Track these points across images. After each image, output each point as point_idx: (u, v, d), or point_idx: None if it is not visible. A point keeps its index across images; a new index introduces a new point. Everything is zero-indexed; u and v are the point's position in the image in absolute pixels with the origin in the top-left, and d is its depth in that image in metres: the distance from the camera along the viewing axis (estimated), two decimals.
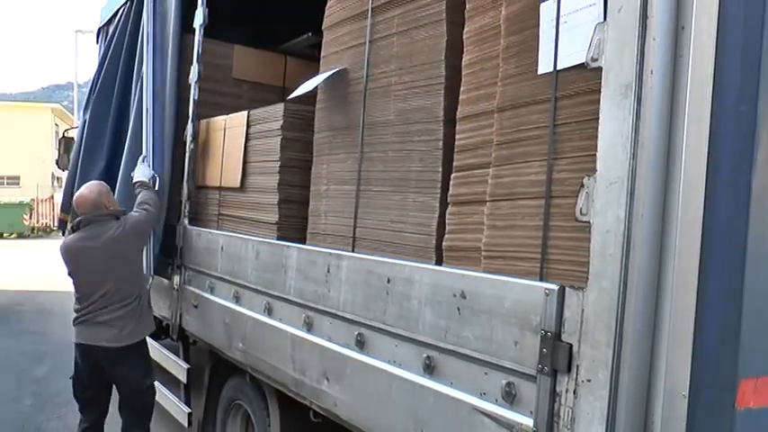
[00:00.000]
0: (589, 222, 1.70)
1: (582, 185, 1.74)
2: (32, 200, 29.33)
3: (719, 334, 1.50)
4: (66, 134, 8.13)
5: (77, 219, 3.96)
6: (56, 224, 28.81)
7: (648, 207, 1.56)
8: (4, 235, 26.81)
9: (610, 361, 1.58)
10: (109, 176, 4.90)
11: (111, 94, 5.42)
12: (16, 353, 8.02)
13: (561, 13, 1.94)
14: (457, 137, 2.32)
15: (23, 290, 12.98)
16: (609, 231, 1.63)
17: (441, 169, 2.44)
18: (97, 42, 6.60)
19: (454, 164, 2.33)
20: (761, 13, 1.53)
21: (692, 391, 1.49)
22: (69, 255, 3.98)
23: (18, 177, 39.25)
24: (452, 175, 2.33)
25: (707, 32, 1.53)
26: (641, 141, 1.58)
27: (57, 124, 42.62)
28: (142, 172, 4.45)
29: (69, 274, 4.02)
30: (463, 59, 2.34)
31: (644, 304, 1.55)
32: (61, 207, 6.49)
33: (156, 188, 4.40)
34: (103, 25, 6.31)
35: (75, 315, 4.00)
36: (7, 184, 39.07)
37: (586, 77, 1.80)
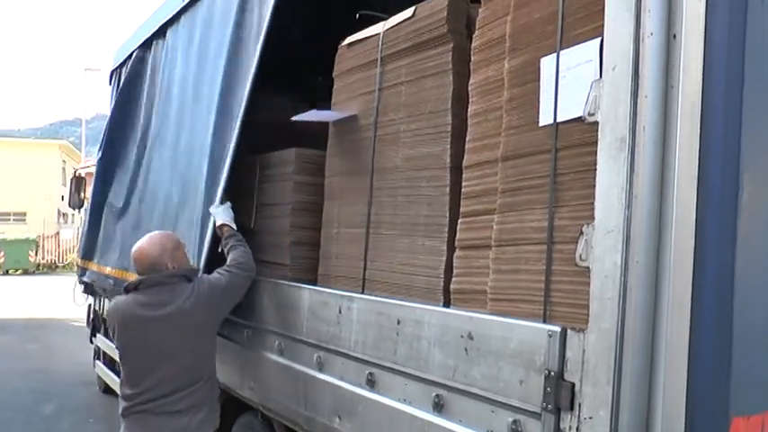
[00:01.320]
0: (588, 267, 1.81)
1: (581, 233, 1.86)
2: (38, 236, 29.53)
3: (712, 374, 1.60)
4: (77, 173, 8.30)
5: (137, 279, 3.21)
6: (62, 261, 29.24)
7: (643, 254, 1.67)
8: (10, 271, 26.94)
9: (610, 399, 1.67)
10: (129, 218, 4.94)
11: (131, 133, 5.51)
12: (24, 391, 8.09)
13: (560, 69, 2.06)
14: (463, 184, 2.44)
15: (28, 322, 13.06)
16: (607, 276, 1.74)
17: (448, 214, 2.56)
18: (110, 83, 6.81)
19: (461, 209, 2.44)
20: (740, 74, 1.65)
21: (688, 427, 1.58)
22: (122, 324, 3.17)
23: (24, 213, 39.53)
24: (459, 221, 2.44)
25: (693, 91, 1.65)
26: (635, 192, 1.70)
27: (64, 161, 43.11)
28: (225, 214, 3.58)
29: (117, 348, 3.28)
30: (469, 110, 2.47)
31: (641, 345, 1.65)
32: (81, 253, 6.62)
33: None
34: (117, 67, 6.50)
35: (124, 403, 3.17)
36: (14, 220, 39.33)
37: (584, 130, 1.92)
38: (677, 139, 1.65)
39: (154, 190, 4.77)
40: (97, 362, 7.37)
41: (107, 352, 6.77)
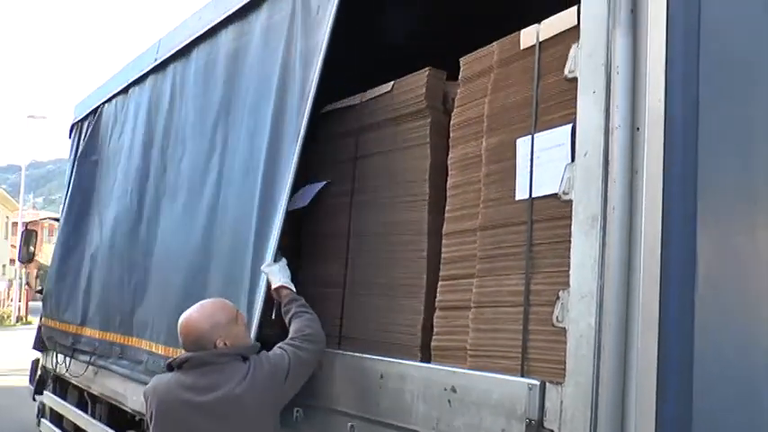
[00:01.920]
0: (565, 328, 2.05)
1: (558, 297, 2.10)
2: None
3: (677, 424, 1.84)
4: (28, 227, 8.27)
5: (182, 356, 2.75)
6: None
7: (615, 317, 1.92)
8: None
9: None
10: (125, 275, 4.72)
11: (113, 183, 5.40)
12: None
13: (535, 150, 2.33)
14: (443, 250, 2.67)
15: None
16: (582, 336, 1.98)
17: (425, 276, 2.79)
18: (70, 137, 6.89)
19: (441, 273, 2.67)
20: (694, 162, 1.92)
21: None
22: (161, 408, 2.70)
23: None
24: (440, 284, 2.66)
25: (655, 176, 1.92)
26: (607, 263, 1.95)
27: None
28: (282, 273, 3.06)
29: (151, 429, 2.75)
30: (448, 182, 2.72)
31: (614, 396, 1.88)
32: (44, 310, 6.56)
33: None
34: (79, 120, 6.60)
35: None
36: None
37: (558, 206, 2.18)
38: (642, 217, 1.92)
39: (167, 245, 4.34)
40: (43, 420, 7.22)
41: (55, 409, 6.68)
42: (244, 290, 3.26)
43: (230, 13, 4.04)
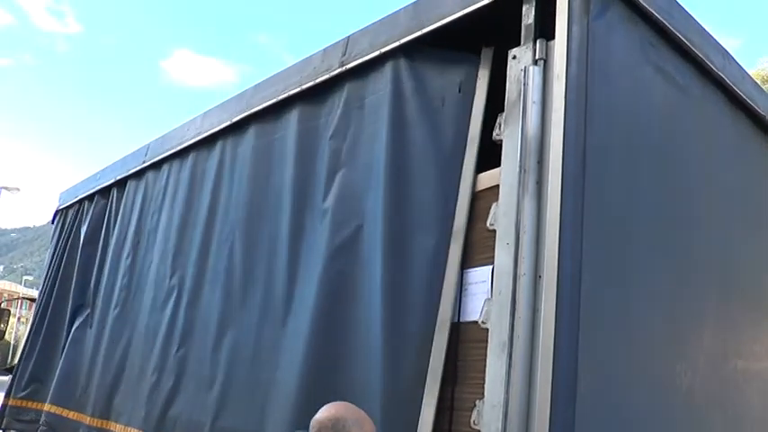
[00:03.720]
0: (479, 431, 2.56)
1: (475, 405, 2.61)
2: None
3: None
4: (1, 305, 8.53)
5: None
6: None
7: (516, 424, 2.43)
8: None
9: None
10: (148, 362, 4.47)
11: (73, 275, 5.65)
12: None
13: (463, 283, 2.89)
14: None
15: None
16: None
17: None
18: (53, 222, 7.28)
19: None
20: (577, 303, 2.48)
21: None
22: None
23: None
24: None
25: (550, 314, 2.47)
26: (512, 380, 2.48)
27: None
28: None
29: None
30: None
31: None
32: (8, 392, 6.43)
33: None
34: (65, 208, 6.93)
35: None
36: None
37: (478, 331, 2.72)
38: (540, 346, 2.47)
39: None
40: None
41: None
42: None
43: (296, 91, 3.92)
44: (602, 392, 2.52)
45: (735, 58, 3.53)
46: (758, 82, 4.15)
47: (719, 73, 3.34)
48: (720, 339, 3.18)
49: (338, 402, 2.59)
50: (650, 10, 2.94)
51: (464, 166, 3.03)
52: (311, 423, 2.47)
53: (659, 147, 2.99)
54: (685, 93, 3.15)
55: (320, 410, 2.51)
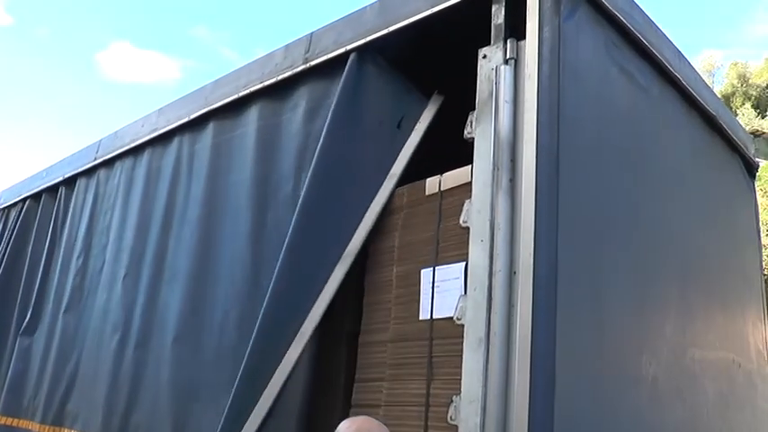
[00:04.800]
0: (457, 426, 2.59)
1: (452, 400, 2.64)
2: None
3: None
4: None
5: None
6: None
7: (494, 418, 2.46)
8: None
9: None
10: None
11: (59, 262, 5.29)
12: None
13: (435, 280, 2.92)
14: (359, 357, 3.19)
15: None
16: None
17: (342, 378, 3.28)
18: None
19: (356, 376, 3.18)
20: (554, 295, 2.53)
21: None
22: None
23: None
24: (355, 385, 3.17)
25: (527, 309, 2.52)
26: (489, 375, 2.52)
27: None
28: None
29: None
30: (364, 300, 3.26)
31: None
32: None
33: None
34: (4, 207, 6.68)
35: None
36: None
37: (453, 327, 2.74)
38: (517, 342, 2.51)
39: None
40: None
41: None
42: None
43: (258, 87, 3.92)
44: (579, 386, 2.58)
45: (688, 59, 3.66)
46: (704, 72, 4.27)
47: (676, 74, 3.46)
48: (680, 330, 3.29)
49: (360, 417, 2.58)
50: (614, 11, 3.03)
51: (379, 192, 3.23)
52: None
53: (625, 145, 3.07)
54: (647, 93, 3.25)
55: (341, 424, 2.47)
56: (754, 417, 4.00)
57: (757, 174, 4.67)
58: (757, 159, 4.63)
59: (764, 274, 4.87)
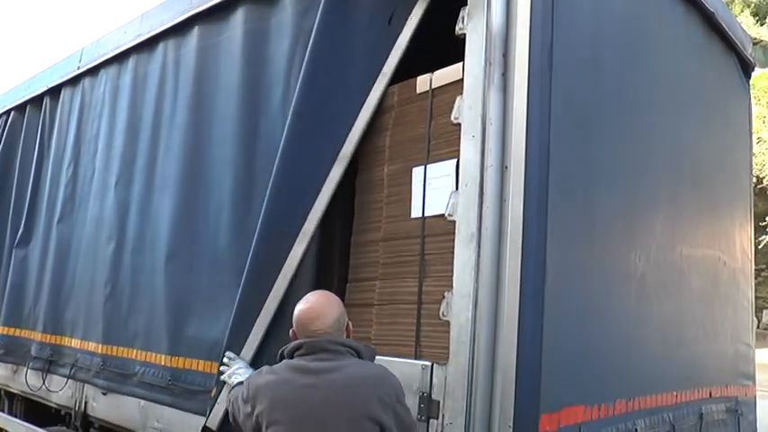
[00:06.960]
0: (449, 321, 2.63)
1: (444, 296, 2.67)
2: None
3: (528, 390, 2.44)
4: None
5: (297, 342, 2.38)
6: None
7: (486, 312, 2.51)
8: None
9: (464, 409, 2.48)
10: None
11: (49, 172, 5.27)
12: None
13: (427, 178, 2.91)
14: (351, 257, 3.21)
15: None
16: (461, 327, 2.56)
17: (335, 279, 3.31)
18: None
19: (349, 276, 3.21)
20: (545, 194, 2.54)
21: (515, 422, 2.41)
22: (275, 399, 2.27)
23: None
24: (347, 285, 3.20)
25: (518, 204, 2.53)
26: (481, 270, 2.54)
27: None
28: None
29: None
30: (355, 200, 3.25)
31: (486, 372, 2.47)
32: None
33: None
34: None
35: None
36: None
37: (445, 224, 2.75)
38: (508, 236, 2.52)
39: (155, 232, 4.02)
40: None
41: None
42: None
43: None
44: (570, 280, 2.62)
45: None
46: None
47: None
48: (669, 227, 3.32)
49: (317, 292, 2.55)
50: None
51: (370, 95, 3.15)
52: (315, 305, 2.42)
53: (621, 41, 3.03)
54: None
55: (317, 293, 2.50)
56: (735, 313, 4.09)
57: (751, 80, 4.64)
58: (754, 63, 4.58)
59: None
